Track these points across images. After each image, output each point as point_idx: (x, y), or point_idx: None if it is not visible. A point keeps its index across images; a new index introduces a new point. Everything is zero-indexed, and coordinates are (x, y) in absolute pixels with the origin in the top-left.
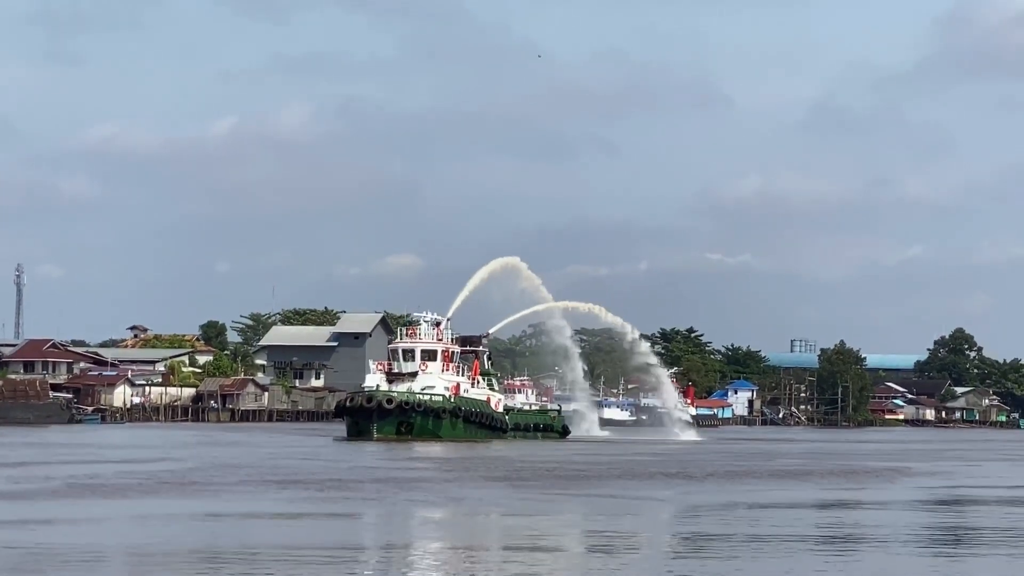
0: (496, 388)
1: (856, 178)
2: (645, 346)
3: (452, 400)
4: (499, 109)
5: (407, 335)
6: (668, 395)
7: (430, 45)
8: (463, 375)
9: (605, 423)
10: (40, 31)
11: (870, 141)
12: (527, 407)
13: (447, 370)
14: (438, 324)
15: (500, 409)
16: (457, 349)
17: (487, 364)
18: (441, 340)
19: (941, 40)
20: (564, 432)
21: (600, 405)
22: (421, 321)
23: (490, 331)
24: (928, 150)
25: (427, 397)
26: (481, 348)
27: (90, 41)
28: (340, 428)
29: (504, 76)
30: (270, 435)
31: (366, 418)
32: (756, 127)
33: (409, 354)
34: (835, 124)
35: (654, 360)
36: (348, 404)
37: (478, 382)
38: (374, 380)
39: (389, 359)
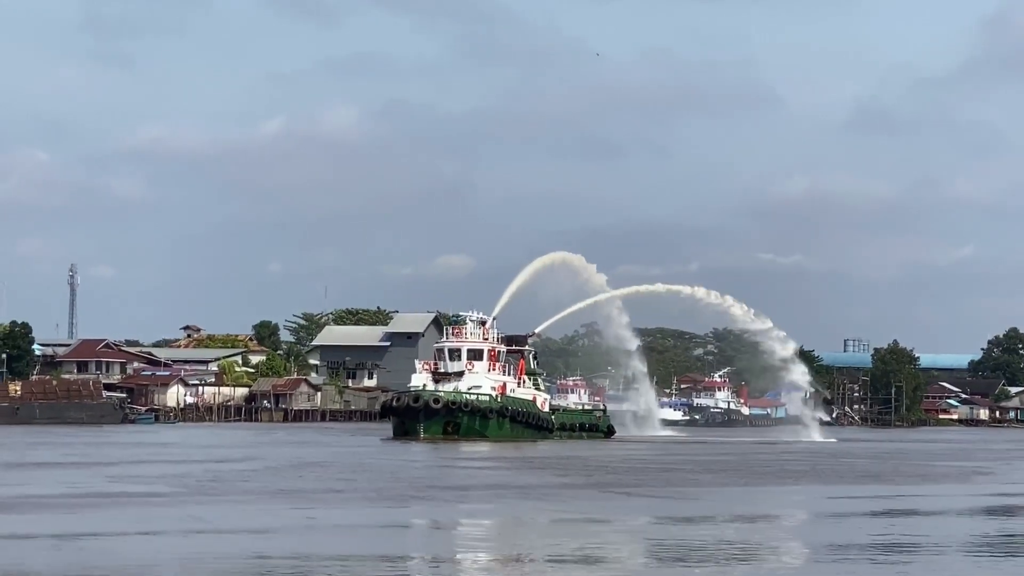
0: (542, 387)
1: (904, 178)
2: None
3: (499, 400)
4: (547, 110)
5: (453, 334)
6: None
7: (477, 46)
8: (509, 374)
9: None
10: (89, 35)
11: (917, 141)
12: (575, 407)
13: (493, 369)
14: (484, 323)
15: (546, 409)
16: (503, 348)
17: (533, 363)
18: (487, 339)
19: (988, 40)
20: (609, 432)
21: None
22: (467, 320)
23: (537, 330)
24: (976, 150)
25: (474, 397)
26: (527, 347)
27: (139, 44)
28: (389, 428)
29: (552, 76)
30: (325, 435)
31: (413, 418)
32: (804, 127)
33: (455, 353)
34: (882, 124)
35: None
36: (395, 404)
37: (524, 382)
38: (420, 380)
39: (435, 359)
